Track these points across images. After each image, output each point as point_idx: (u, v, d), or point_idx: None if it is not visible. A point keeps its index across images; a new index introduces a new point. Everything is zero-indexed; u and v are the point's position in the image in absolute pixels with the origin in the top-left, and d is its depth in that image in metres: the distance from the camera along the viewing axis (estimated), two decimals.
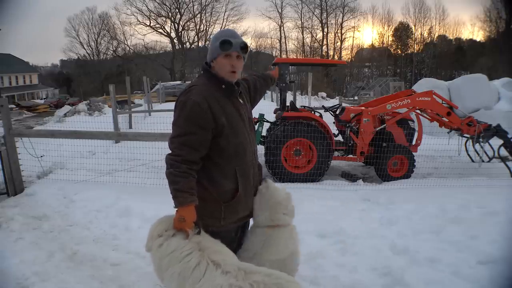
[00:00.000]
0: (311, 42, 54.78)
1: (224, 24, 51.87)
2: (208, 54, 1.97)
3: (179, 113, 1.86)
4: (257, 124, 6.34)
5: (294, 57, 48.02)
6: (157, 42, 56.21)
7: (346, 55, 55.83)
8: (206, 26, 52.90)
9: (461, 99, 10.30)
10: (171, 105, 1.99)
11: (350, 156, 6.33)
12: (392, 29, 53.60)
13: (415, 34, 52.37)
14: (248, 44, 2.00)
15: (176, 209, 1.85)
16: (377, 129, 6.10)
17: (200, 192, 1.92)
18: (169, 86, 27.73)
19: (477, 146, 6.07)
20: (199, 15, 52.15)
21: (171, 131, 1.94)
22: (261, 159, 6.26)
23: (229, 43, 1.87)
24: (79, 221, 4.02)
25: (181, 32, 52.30)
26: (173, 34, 51.98)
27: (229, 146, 1.92)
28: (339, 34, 53.90)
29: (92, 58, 54.66)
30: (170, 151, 1.88)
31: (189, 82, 2.12)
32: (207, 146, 1.89)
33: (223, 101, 1.91)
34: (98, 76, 50.47)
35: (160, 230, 1.91)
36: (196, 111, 1.81)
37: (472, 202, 4.13)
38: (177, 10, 51.03)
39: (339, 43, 54.84)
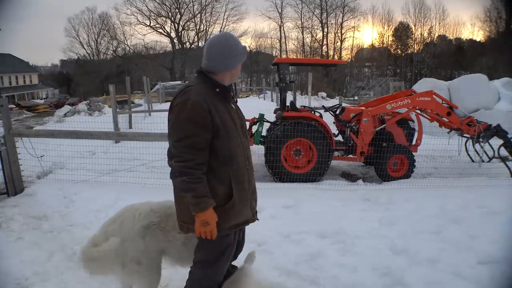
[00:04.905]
0: (311, 42, 54.69)
1: (224, 24, 51.94)
2: (223, 63, 1.94)
3: (177, 114, 1.83)
4: (257, 124, 6.35)
5: (294, 57, 47.98)
6: (157, 42, 56.25)
7: (346, 55, 55.77)
8: (206, 26, 52.86)
9: (461, 99, 10.27)
10: None
11: (350, 156, 6.33)
12: (392, 29, 53.53)
13: (415, 34, 52.36)
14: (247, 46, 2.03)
15: (197, 215, 1.82)
16: (377, 129, 6.10)
17: None
18: (169, 86, 27.70)
19: (477, 146, 6.07)
20: (199, 15, 52.10)
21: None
22: (261, 159, 6.30)
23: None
24: (79, 221, 4.01)
25: (181, 32, 52.24)
26: (173, 34, 51.93)
27: (223, 149, 1.90)
28: (339, 34, 53.83)
29: (92, 58, 54.58)
30: (175, 157, 1.82)
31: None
32: (208, 146, 1.87)
33: (217, 103, 1.91)
34: (98, 76, 50.32)
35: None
36: (197, 110, 1.80)
37: (472, 202, 4.13)
38: (177, 10, 50.97)
39: (339, 43, 54.76)
